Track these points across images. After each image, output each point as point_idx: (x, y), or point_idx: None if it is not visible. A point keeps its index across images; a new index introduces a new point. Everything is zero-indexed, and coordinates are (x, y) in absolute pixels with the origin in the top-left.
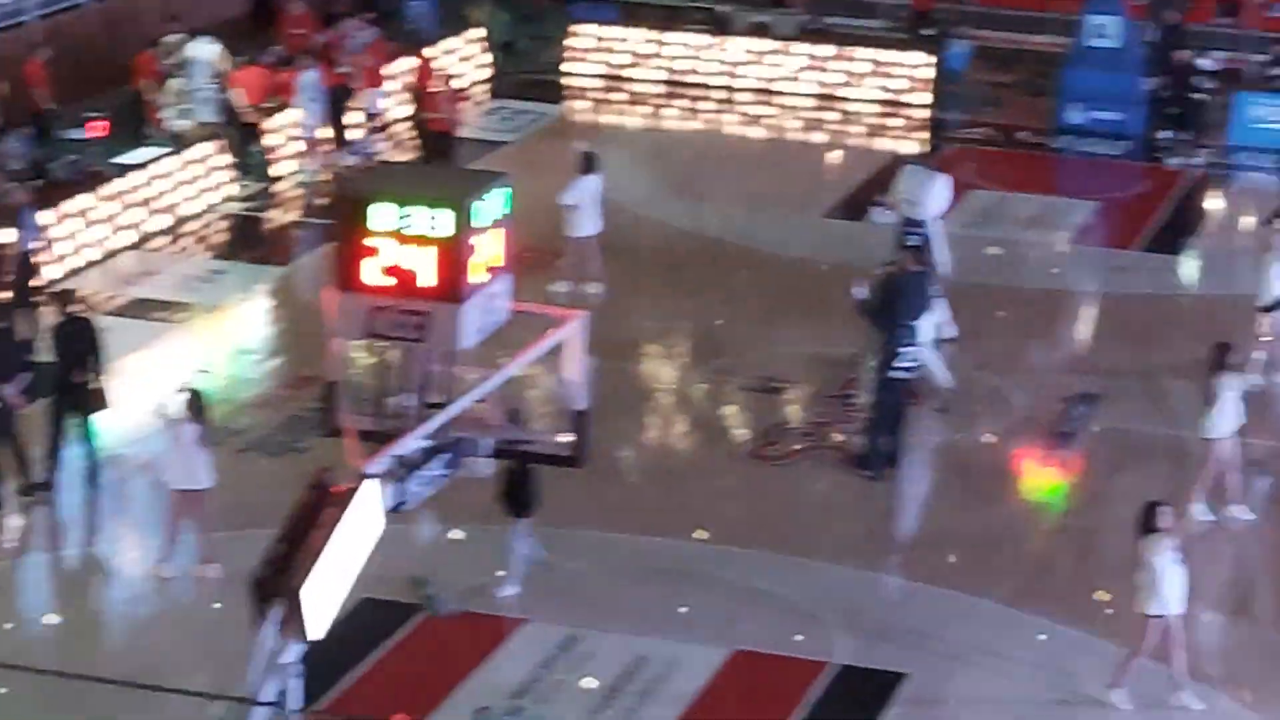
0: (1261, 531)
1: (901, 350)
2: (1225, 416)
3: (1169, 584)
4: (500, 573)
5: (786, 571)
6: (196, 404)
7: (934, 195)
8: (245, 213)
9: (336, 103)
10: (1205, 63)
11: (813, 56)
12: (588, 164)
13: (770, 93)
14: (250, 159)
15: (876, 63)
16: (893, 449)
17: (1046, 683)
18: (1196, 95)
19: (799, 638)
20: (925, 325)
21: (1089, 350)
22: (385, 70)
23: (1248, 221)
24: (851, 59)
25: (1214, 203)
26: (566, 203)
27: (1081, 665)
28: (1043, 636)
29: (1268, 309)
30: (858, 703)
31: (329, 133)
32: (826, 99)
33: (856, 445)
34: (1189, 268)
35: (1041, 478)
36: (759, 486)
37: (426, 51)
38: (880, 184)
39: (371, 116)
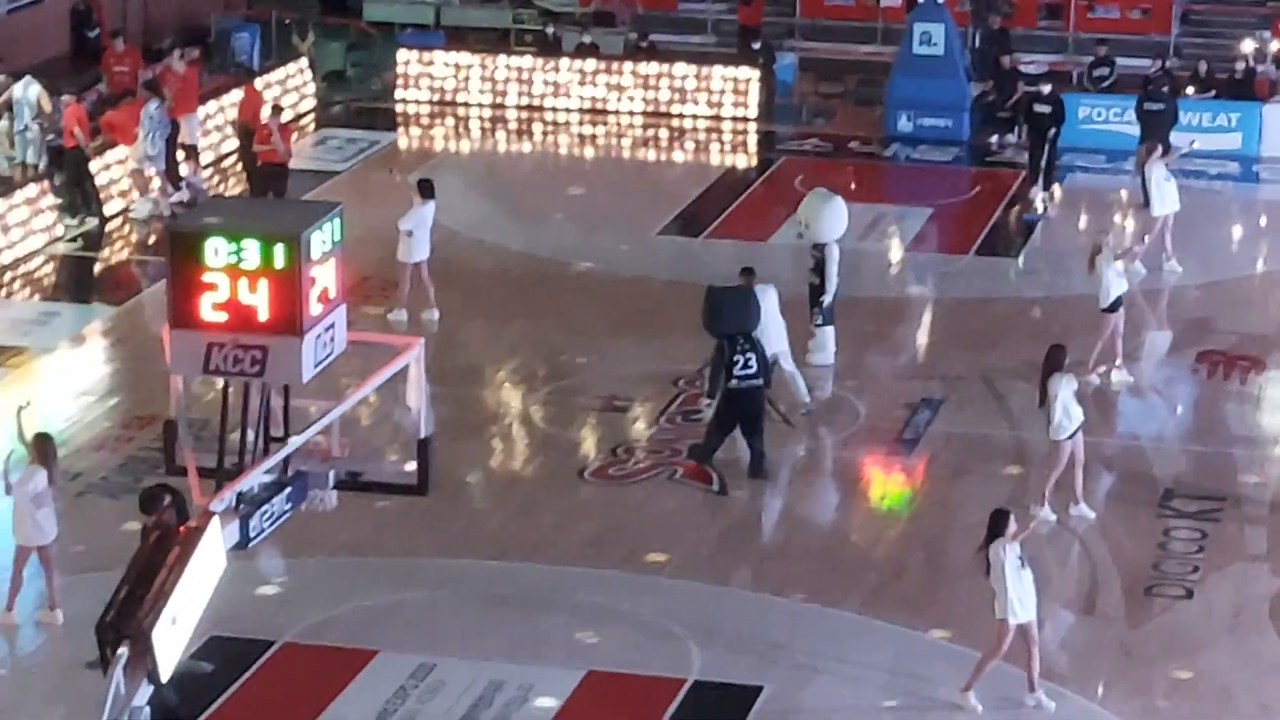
0: (1103, 529)
1: (732, 361)
2: (1066, 417)
3: (1018, 590)
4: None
5: (638, 590)
6: (46, 449)
7: (828, 219)
8: (76, 253)
9: (169, 138)
10: (1031, 67)
11: (641, 74)
12: (426, 190)
13: (600, 112)
14: (79, 198)
15: (705, 78)
16: (761, 457)
17: (900, 688)
18: (1038, 103)
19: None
20: (777, 339)
21: (929, 356)
22: (200, 97)
23: (1079, 223)
24: (680, 75)
25: (1045, 205)
26: (405, 227)
27: (934, 670)
28: (895, 642)
29: (1109, 310)
30: (715, 717)
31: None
32: (656, 116)
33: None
34: (1023, 270)
35: (887, 485)
36: (606, 506)
37: (255, 83)
38: (711, 200)
39: (189, 148)
